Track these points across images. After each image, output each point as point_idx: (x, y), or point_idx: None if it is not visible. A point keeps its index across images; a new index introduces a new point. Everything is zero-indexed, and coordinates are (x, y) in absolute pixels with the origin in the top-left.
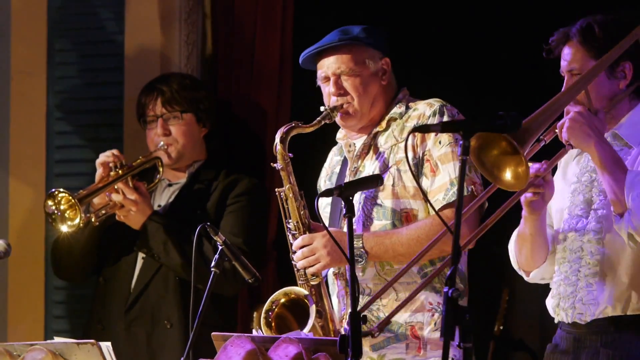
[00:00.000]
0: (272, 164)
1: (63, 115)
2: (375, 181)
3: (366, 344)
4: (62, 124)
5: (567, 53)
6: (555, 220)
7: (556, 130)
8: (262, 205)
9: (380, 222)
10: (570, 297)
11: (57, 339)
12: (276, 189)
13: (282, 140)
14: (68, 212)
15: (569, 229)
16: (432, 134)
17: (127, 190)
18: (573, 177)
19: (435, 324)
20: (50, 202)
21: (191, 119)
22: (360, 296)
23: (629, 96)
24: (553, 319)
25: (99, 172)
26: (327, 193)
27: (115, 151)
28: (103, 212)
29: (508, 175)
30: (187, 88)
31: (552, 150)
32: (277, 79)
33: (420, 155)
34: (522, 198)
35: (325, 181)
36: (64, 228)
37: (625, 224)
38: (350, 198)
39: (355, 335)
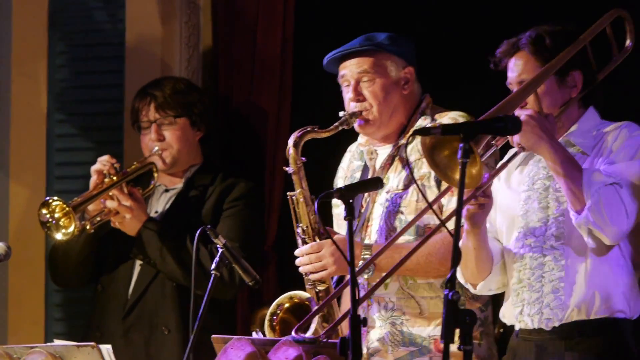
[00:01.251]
0: (284, 167)
1: (63, 118)
2: (376, 184)
3: (390, 358)
4: (63, 127)
5: (517, 63)
6: (505, 229)
7: (507, 137)
8: (259, 208)
9: (404, 237)
10: (536, 303)
11: (57, 342)
12: (288, 193)
13: (295, 145)
14: (63, 220)
15: (525, 236)
16: None
17: (121, 196)
18: (521, 185)
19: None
20: (44, 211)
21: (185, 123)
22: (384, 308)
23: (578, 103)
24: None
25: (94, 179)
26: (328, 195)
27: (109, 157)
28: (98, 219)
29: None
30: (180, 92)
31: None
32: (278, 79)
33: (409, 172)
34: (465, 212)
35: (344, 184)
36: (59, 236)
37: (585, 220)
38: (351, 201)
39: (355, 338)
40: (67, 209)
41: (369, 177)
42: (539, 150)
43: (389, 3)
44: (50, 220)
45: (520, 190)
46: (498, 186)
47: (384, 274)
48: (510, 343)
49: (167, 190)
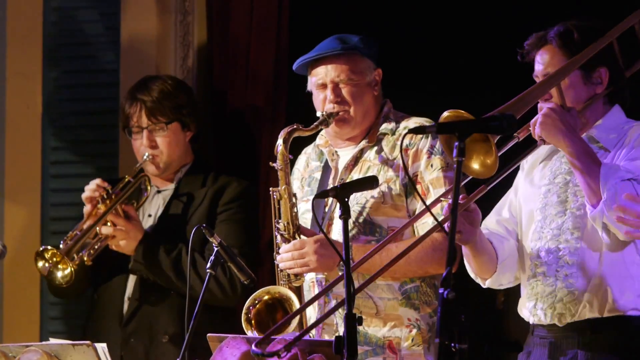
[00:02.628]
0: (271, 163)
1: (58, 131)
2: (371, 182)
3: None
4: (58, 140)
5: (543, 57)
6: (524, 223)
7: (529, 128)
8: (253, 208)
9: (367, 237)
10: (549, 297)
11: (52, 340)
12: (271, 188)
13: (285, 141)
14: (60, 264)
15: (542, 229)
16: (425, 157)
17: (117, 221)
18: (543, 179)
19: (412, 339)
20: (40, 263)
21: (176, 127)
22: (341, 309)
23: (602, 100)
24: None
25: (87, 208)
26: (323, 194)
27: (99, 181)
28: (96, 247)
29: (476, 164)
30: (169, 95)
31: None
32: (272, 79)
33: (411, 175)
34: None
35: (302, 186)
36: (60, 275)
37: (600, 214)
38: (346, 199)
39: (350, 336)
40: (60, 255)
41: (331, 177)
42: (559, 143)
43: (380, 7)
44: (50, 267)
45: (541, 184)
46: (523, 179)
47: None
48: (527, 341)
49: (159, 192)
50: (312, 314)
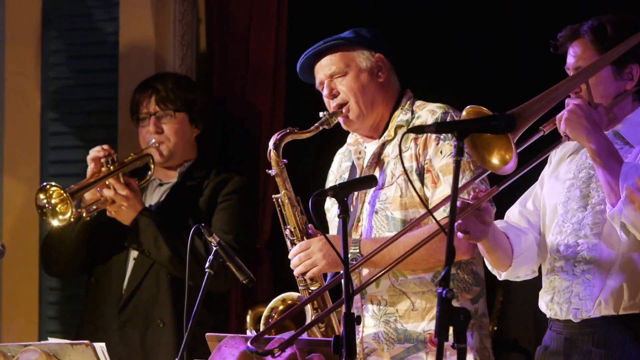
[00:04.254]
0: (267, 170)
1: (57, 117)
2: (369, 182)
3: (386, 356)
4: (57, 125)
5: (575, 50)
6: (549, 216)
7: (555, 123)
8: (253, 203)
9: (391, 233)
10: (565, 292)
11: (51, 340)
12: (273, 195)
13: (276, 147)
14: (59, 206)
15: (563, 224)
16: (433, 143)
17: (118, 185)
18: (568, 173)
19: None
20: (42, 196)
21: (184, 118)
22: (377, 306)
23: (632, 97)
24: (547, 319)
25: (91, 167)
26: (322, 194)
27: (106, 146)
28: (94, 207)
29: (496, 158)
30: (182, 88)
31: (548, 142)
32: (272, 78)
33: (422, 164)
34: (460, 234)
35: None
36: (55, 222)
37: (618, 213)
38: (345, 199)
39: (349, 336)
40: (64, 195)
41: (357, 176)
42: (582, 140)
43: (381, 4)
44: (47, 205)
45: (566, 178)
46: (549, 173)
47: (375, 269)
48: (545, 337)
49: (161, 184)
50: None
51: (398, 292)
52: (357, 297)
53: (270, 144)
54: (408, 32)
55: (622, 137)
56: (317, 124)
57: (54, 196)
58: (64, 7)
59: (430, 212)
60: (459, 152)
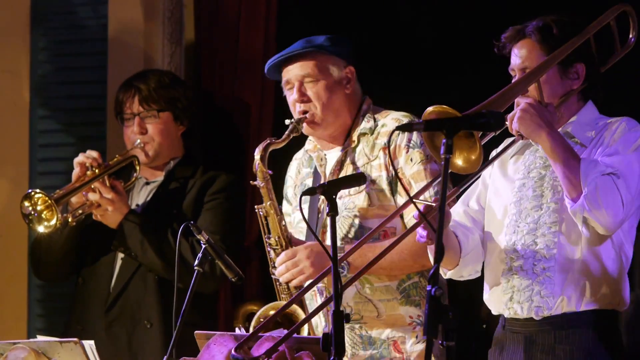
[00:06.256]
0: (251, 182)
1: (46, 114)
2: (358, 179)
3: None
4: (45, 123)
5: (521, 51)
6: (499, 216)
7: (506, 122)
8: (240, 201)
9: (356, 241)
10: (526, 290)
11: (40, 338)
12: (256, 206)
13: (262, 158)
14: (45, 212)
15: (517, 224)
16: (403, 152)
17: (103, 189)
18: (516, 173)
19: (417, 337)
20: (26, 203)
21: (168, 117)
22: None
23: (577, 96)
24: (495, 318)
25: (76, 171)
26: (310, 192)
27: (95, 154)
28: (80, 211)
29: (460, 160)
30: (164, 86)
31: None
32: (260, 74)
33: (393, 173)
34: (419, 237)
35: (296, 194)
36: (41, 229)
37: (580, 208)
38: (334, 197)
39: (338, 334)
40: (49, 201)
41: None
42: (537, 138)
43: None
44: (32, 212)
45: (515, 178)
46: (494, 173)
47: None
48: (496, 335)
49: (147, 183)
50: (317, 322)
51: (364, 299)
52: (320, 300)
53: (257, 155)
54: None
55: (573, 136)
56: (287, 132)
57: (39, 203)
58: (53, 4)
59: (412, 199)
60: (447, 150)
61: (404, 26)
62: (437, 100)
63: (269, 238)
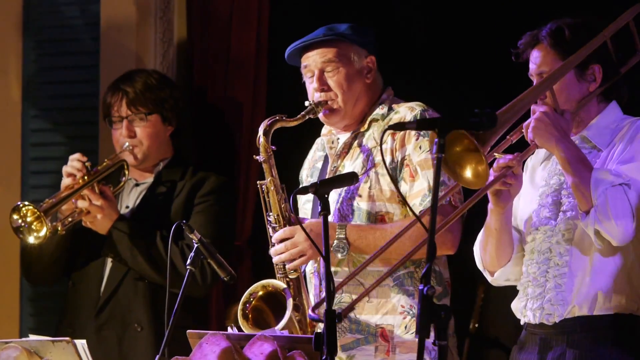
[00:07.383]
0: (254, 156)
1: (38, 113)
2: (350, 179)
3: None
4: (37, 122)
5: (536, 56)
6: (522, 223)
7: (522, 130)
8: (230, 203)
9: (355, 223)
10: (538, 298)
11: (32, 337)
12: (258, 181)
13: (265, 133)
14: (34, 223)
15: (536, 231)
16: (413, 139)
17: (92, 196)
18: (541, 181)
19: (405, 327)
20: (15, 216)
21: (157, 119)
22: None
23: (597, 98)
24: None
25: (65, 181)
26: (303, 190)
27: (80, 156)
28: (70, 219)
29: (468, 173)
30: (151, 88)
31: (520, 149)
32: (253, 73)
33: (399, 159)
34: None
35: (307, 176)
36: (32, 240)
37: (592, 221)
38: (326, 196)
39: (330, 333)
40: (38, 213)
41: (328, 166)
42: (551, 148)
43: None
44: (22, 225)
45: (539, 185)
46: (524, 179)
47: (351, 273)
48: (520, 337)
49: (137, 185)
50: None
51: (356, 282)
52: (316, 282)
53: (260, 129)
54: (391, 30)
55: (589, 140)
56: (303, 113)
57: (28, 215)
58: (44, 3)
59: (407, 204)
60: (439, 150)
61: (399, 26)
62: (436, 100)
63: (269, 215)
